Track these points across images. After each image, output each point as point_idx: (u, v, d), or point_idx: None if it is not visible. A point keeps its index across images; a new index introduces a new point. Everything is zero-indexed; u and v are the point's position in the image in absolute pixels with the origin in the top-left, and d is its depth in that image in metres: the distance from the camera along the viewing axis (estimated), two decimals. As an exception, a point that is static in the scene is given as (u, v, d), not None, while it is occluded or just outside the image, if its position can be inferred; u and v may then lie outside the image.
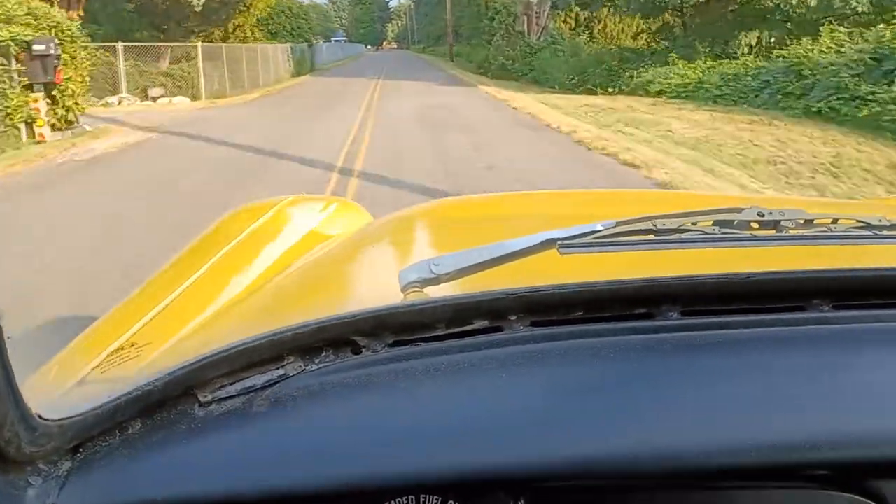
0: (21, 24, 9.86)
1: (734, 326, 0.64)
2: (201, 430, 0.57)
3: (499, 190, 6.24)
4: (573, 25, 28.91)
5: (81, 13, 18.01)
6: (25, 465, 0.52)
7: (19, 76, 9.83)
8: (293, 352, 0.62)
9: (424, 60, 47.56)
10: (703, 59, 16.63)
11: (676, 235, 0.75)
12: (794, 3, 15.95)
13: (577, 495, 0.57)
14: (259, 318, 1.03)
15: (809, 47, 13.07)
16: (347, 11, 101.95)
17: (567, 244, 0.72)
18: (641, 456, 0.53)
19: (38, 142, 9.90)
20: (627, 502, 0.58)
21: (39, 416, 0.50)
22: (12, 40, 9.55)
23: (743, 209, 0.80)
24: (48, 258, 4.79)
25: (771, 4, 16.92)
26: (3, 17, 9.72)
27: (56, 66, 10.11)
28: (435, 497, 0.55)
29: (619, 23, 29.06)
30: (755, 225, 0.79)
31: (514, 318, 0.66)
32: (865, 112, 10.24)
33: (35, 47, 9.75)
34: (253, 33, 27.26)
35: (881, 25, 12.25)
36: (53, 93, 10.45)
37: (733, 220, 0.79)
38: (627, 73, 18.18)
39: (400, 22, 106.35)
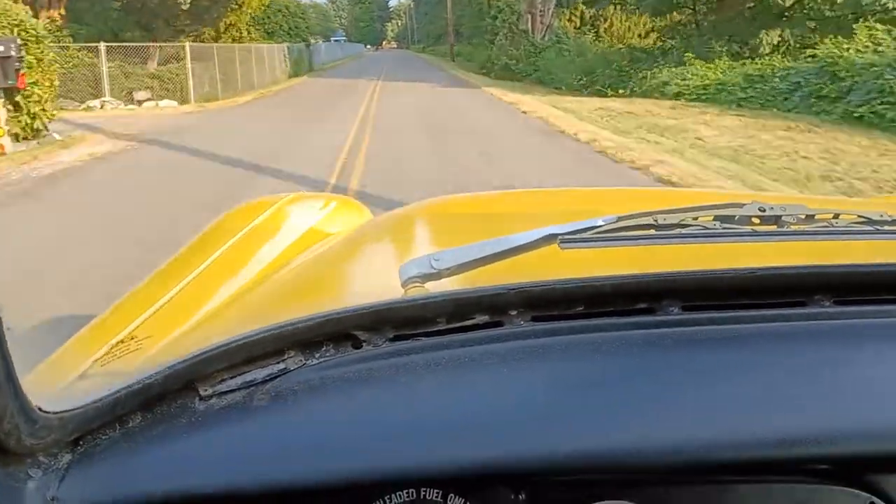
0: (-24, 23, 8.73)
1: (735, 322, 0.64)
2: (202, 424, 0.57)
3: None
4: (578, 24, 27.87)
5: (63, 12, 16.93)
6: (25, 457, 0.52)
7: (-26, 81, 8.70)
8: (294, 346, 0.62)
9: (424, 60, 46.37)
10: (720, 58, 15.54)
11: (677, 230, 0.75)
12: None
13: (577, 490, 0.57)
14: (260, 313, 1.01)
15: (846, 46, 11.93)
16: (347, 11, 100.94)
17: (568, 239, 0.72)
18: (642, 450, 0.53)
19: (-2, 154, 8.78)
20: (628, 497, 0.57)
21: (39, 409, 0.50)
22: (-35, 41, 8.43)
23: (744, 204, 0.79)
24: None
25: (791, 0, 15.86)
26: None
27: (18, 70, 8.99)
28: (435, 491, 0.55)
29: (626, 21, 28.02)
30: (756, 220, 0.77)
31: (514, 312, 0.65)
32: (917, 117, 9.15)
33: (-8, 49, 8.63)
34: (249, 33, 26.12)
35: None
36: (17, 99, 9.34)
37: (734, 216, 0.78)
38: (640, 74, 17.06)
39: (400, 21, 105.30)
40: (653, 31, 24.43)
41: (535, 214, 1.48)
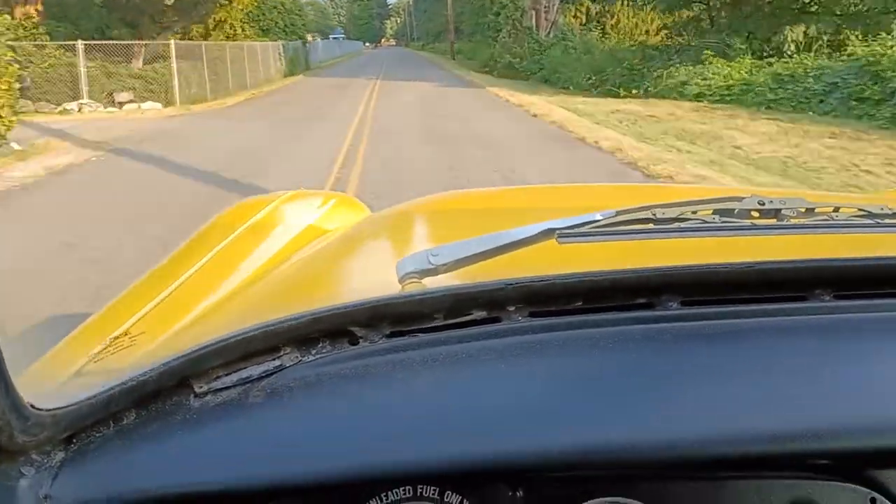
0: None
1: (735, 316, 0.63)
2: (197, 421, 0.56)
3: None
4: (584, 21, 26.68)
5: (40, 7, 15.71)
6: (18, 455, 0.51)
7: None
8: (290, 342, 0.61)
9: (424, 58, 45.06)
10: (743, 56, 14.38)
11: (676, 224, 0.74)
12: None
13: (574, 486, 0.56)
14: (256, 309, 1.01)
15: (889, 44, 10.76)
16: (346, 8, 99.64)
17: (566, 233, 0.71)
18: (641, 446, 0.53)
19: (-58, 168, 7.61)
20: (625, 493, 0.56)
21: (32, 406, 0.49)
22: None
23: (743, 198, 0.78)
24: None
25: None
26: None
27: (-34, 72, 7.83)
28: (432, 488, 0.55)
29: (634, 17, 26.83)
30: (755, 214, 0.77)
31: (512, 308, 0.64)
32: None
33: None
34: (243, 30, 24.90)
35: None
36: (-33, 104, 8.19)
37: (733, 209, 0.77)
38: (655, 73, 15.87)
39: (398, 19, 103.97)
40: (664, 27, 23.19)
41: (534, 210, 1.44)
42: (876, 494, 0.56)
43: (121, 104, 14.69)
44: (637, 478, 0.57)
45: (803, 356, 0.59)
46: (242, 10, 21.39)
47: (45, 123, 12.09)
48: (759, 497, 0.57)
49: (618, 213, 0.75)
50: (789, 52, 14.22)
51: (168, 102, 15.32)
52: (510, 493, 0.55)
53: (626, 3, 25.64)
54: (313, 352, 0.61)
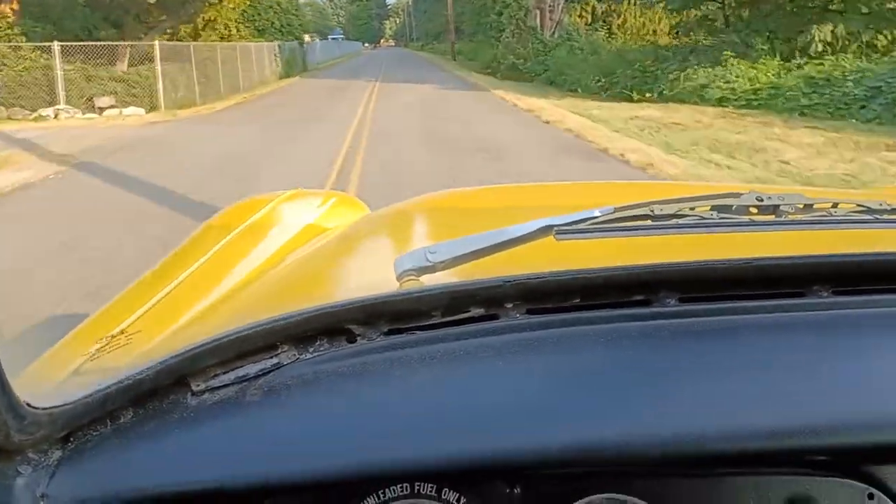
0: None
1: (733, 312, 0.63)
2: (194, 420, 0.56)
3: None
4: (589, 20, 25.60)
5: (15, 7, 14.57)
6: (14, 454, 0.51)
7: None
8: (287, 340, 0.61)
9: (424, 59, 43.87)
10: (764, 57, 13.31)
11: (674, 221, 0.73)
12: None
13: (572, 483, 0.56)
14: (254, 308, 0.99)
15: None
16: (345, 9, 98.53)
17: (564, 230, 0.70)
18: (638, 443, 0.52)
19: None
20: (623, 490, 0.56)
21: (28, 405, 0.48)
22: None
23: (741, 194, 0.78)
24: None
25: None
26: None
27: None
28: (430, 485, 0.55)
29: (641, 16, 25.74)
30: (754, 210, 0.76)
31: (510, 305, 0.64)
32: None
33: None
34: (238, 30, 23.81)
35: None
36: None
37: (732, 206, 0.76)
38: (670, 75, 14.78)
39: (398, 19, 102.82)
40: (676, 25, 22.07)
41: (533, 207, 1.41)
42: (874, 490, 0.56)
43: (101, 110, 13.58)
44: (634, 475, 0.56)
45: (801, 352, 0.59)
46: (234, 8, 20.22)
47: (13, 132, 10.99)
48: (756, 493, 0.56)
49: (616, 210, 0.74)
50: (815, 53, 13.15)
51: (152, 107, 14.20)
52: (507, 491, 0.55)
53: (633, 1, 24.54)
54: (311, 350, 0.61)
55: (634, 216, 0.73)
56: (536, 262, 0.69)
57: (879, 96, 9.99)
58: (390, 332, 0.62)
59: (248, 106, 15.97)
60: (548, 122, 11.14)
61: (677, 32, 20.47)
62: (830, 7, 14.10)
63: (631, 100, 14.74)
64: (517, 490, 0.55)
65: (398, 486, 0.54)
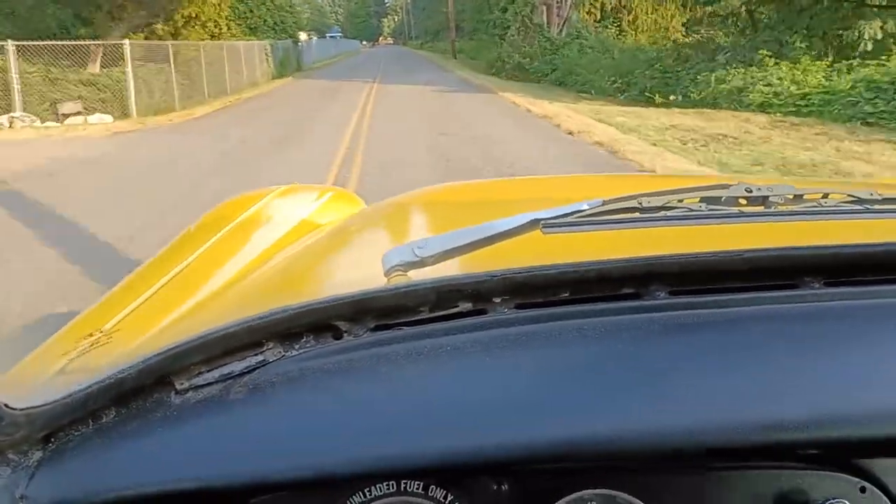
0: None
1: (723, 305, 0.61)
2: (177, 418, 0.54)
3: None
4: (598, 17, 23.96)
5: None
6: None
7: None
8: (273, 337, 0.59)
9: (424, 57, 42.12)
10: (802, 57, 11.73)
11: (663, 213, 0.72)
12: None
13: (560, 479, 0.55)
14: (242, 305, 0.97)
15: None
16: (343, 7, 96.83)
17: (551, 223, 0.69)
18: (628, 437, 0.51)
19: None
20: (612, 486, 0.55)
21: (6, 406, 0.48)
22: None
23: (730, 185, 0.76)
24: None
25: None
26: None
27: None
28: (416, 482, 0.54)
29: (653, 13, 24.13)
30: (743, 201, 0.75)
31: (498, 300, 0.62)
32: None
33: None
34: (229, 28, 22.13)
35: None
36: None
37: (721, 197, 0.75)
38: (698, 76, 13.18)
39: (396, 17, 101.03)
40: (687, 22, 20.44)
41: (524, 201, 1.38)
42: (866, 483, 0.55)
43: (64, 117, 11.93)
44: (625, 470, 0.56)
45: (793, 344, 0.58)
46: (219, 4, 18.54)
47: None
48: (748, 487, 0.56)
49: (604, 203, 0.73)
50: (862, 53, 11.57)
51: (123, 114, 12.56)
52: (495, 487, 0.55)
53: (648, -4, 22.94)
54: (297, 347, 0.60)
55: (622, 209, 0.72)
56: (526, 257, 0.67)
57: (962, 103, 8.41)
58: (377, 328, 0.61)
59: (233, 111, 14.27)
60: (571, 134, 9.50)
61: (689, 29, 18.92)
62: (868, 2, 12.51)
63: (653, 103, 13.18)
64: (505, 487, 0.55)
65: (385, 484, 0.54)
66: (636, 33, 23.63)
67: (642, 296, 0.63)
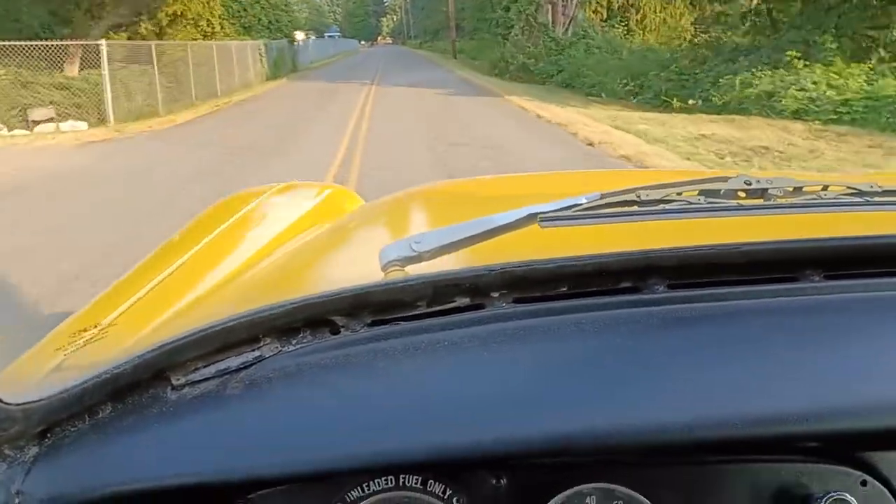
0: None
1: (723, 298, 0.61)
2: (174, 414, 0.54)
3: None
4: (605, 16, 22.92)
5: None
6: None
7: None
8: (270, 332, 0.59)
9: (423, 57, 41.02)
10: (834, 57, 10.73)
11: (661, 206, 0.71)
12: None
13: (559, 473, 0.55)
14: (240, 301, 0.96)
15: None
16: (341, 6, 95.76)
17: (548, 217, 0.68)
18: (627, 431, 0.51)
19: None
20: (611, 480, 0.55)
21: (2, 401, 0.48)
22: None
23: (729, 178, 0.76)
24: None
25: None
26: None
27: None
28: (415, 477, 0.54)
29: (661, 12, 23.11)
30: (742, 194, 0.74)
31: (496, 294, 0.62)
32: None
33: None
34: (222, 27, 21.08)
35: None
36: None
37: (719, 190, 0.74)
38: (722, 79, 12.14)
39: (395, 16, 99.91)
40: (696, 20, 19.41)
41: (523, 196, 1.31)
42: (867, 476, 0.55)
43: (34, 124, 10.88)
44: (623, 464, 0.55)
45: (793, 337, 0.57)
46: (207, 1, 17.46)
47: None
48: (748, 481, 0.55)
49: (602, 196, 0.72)
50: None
51: (100, 120, 11.52)
52: (494, 482, 0.55)
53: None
54: (294, 342, 0.59)
55: (621, 202, 0.72)
56: (524, 251, 0.67)
57: None
58: (374, 323, 0.60)
59: (219, 116, 13.22)
60: (591, 145, 8.47)
61: (698, 29, 17.91)
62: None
63: (671, 108, 12.17)
64: (503, 481, 0.55)
65: (383, 478, 0.54)
66: (644, 33, 22.62)
67: (641, 289, 0.62)
